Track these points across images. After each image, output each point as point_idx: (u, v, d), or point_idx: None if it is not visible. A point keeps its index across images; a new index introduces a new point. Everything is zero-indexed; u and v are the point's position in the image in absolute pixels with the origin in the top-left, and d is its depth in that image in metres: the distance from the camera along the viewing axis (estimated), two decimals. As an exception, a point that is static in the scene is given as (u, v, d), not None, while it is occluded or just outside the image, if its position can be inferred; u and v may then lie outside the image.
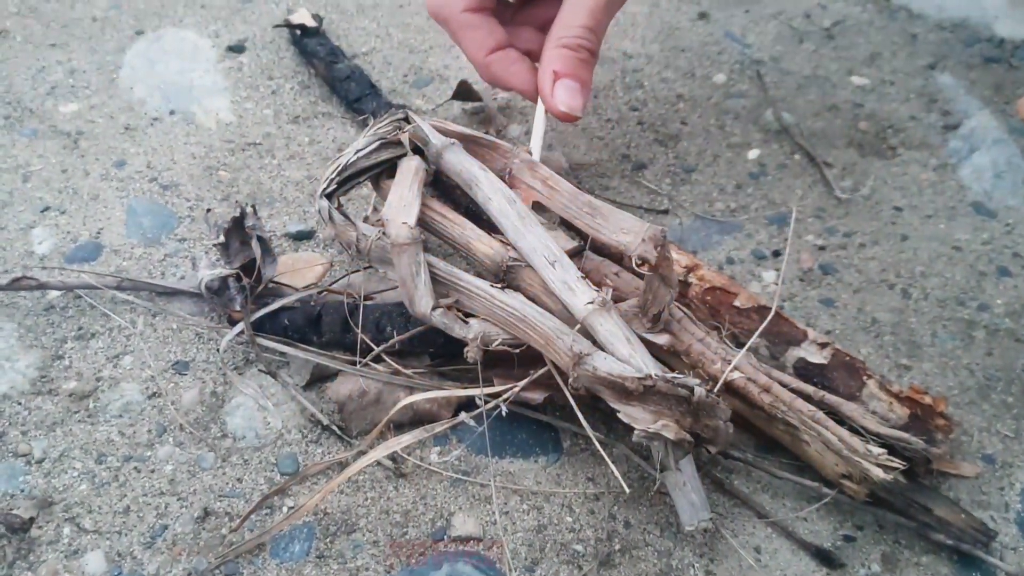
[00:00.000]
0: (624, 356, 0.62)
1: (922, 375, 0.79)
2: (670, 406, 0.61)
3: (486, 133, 0.96)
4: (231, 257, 0.79)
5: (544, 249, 0.66)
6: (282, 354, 0.76)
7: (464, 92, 0.99)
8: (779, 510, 0.69)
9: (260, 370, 0.76)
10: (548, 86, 0.75)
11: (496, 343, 0.67)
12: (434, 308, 0.67)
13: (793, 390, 0.72)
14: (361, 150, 0.72)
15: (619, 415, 0.61)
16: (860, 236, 0.90)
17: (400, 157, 0.73)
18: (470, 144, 0.73)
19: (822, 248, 0.89)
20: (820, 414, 0.69)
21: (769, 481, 0.71)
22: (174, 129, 0.98)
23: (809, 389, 0.73)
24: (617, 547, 0.67)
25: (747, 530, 0.68)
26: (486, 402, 0.68)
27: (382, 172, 0.73)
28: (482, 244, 0.69)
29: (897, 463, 0.67)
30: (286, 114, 1.00)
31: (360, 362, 0.73)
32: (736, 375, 0.71)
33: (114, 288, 0.79)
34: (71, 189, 0.90)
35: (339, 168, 0.72)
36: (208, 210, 0.88)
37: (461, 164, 0.70)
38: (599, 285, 0.74)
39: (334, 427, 0.72)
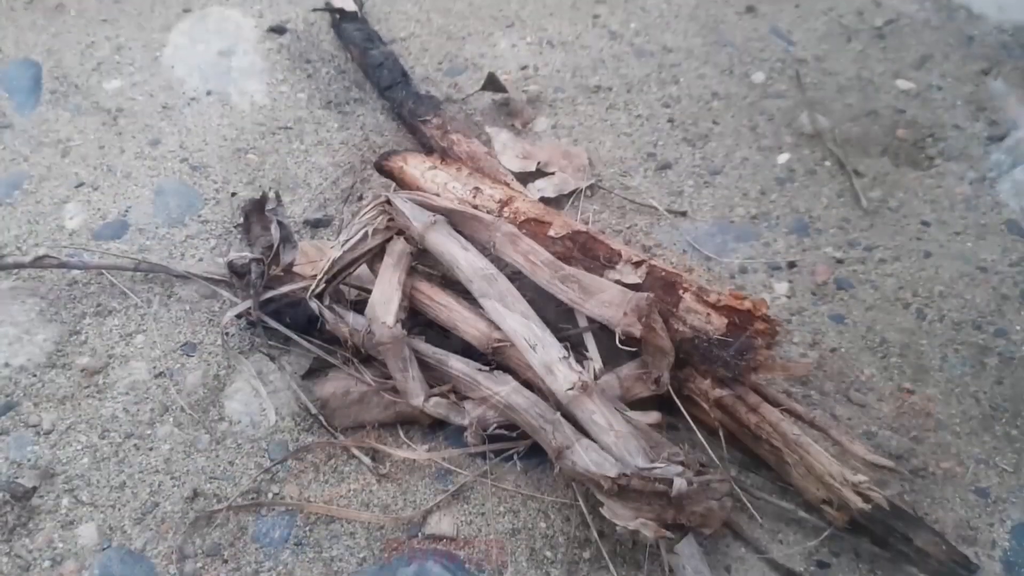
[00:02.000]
0: (607, 444, 0.63)
1: (925, 400, 0.77)
2: (649, 501, 0.61)
3: (512, 126, 0.97)
4: (252, 240, 0.81)
5: (525, 331, 0.68)
6: (285, 341, 0.78)
7: (492, 83, 0.99)
8: (755, 530, 0.69)
9: (262, 352, 0.78)
10: None
11: (492, 427, 0.69)
12: (427, 399, 0.70)
13: (784, 410, 0.72)
14: (348, 242, 0.73)
15: (602, 510, 0.62)
16: (881, 250, 0.88)
17: (387, 242, 0.74)
18: (455, 216, 0.74)
19: (840, 261, 0.87)
20: (804, 438, 0.69)
21: (749, 500, 0.71)
22: (209, 110, 1.00)
23: (800, 409, 0.72)
24: (586, 556, 0.67)
25: (720, 548, 0.68)
26: (487, 460, 0.70)
27: (375, 257, 0.75)
28: (468, 327, 0.71)
29: (877, 492, 0.66)
30: (319, 98, 1.02)
31: (348, 359, 0.75)
32: (725, 392, 0.71)
33: (131, 269, 0.82)
34: (106, 166, 0.94)
35: (328, 266, 0.73)
36: (233, 194, 0.91)
37: (443, 246, 0.72)
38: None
39: (321, 418, 0.74)
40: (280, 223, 0.79)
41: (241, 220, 0.80)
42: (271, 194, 0.79)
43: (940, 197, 0.93)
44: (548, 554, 0.68)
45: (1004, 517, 0.71)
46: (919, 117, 1.01)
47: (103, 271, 0.83)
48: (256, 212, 0.82)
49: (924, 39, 1.11)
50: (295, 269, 0.82)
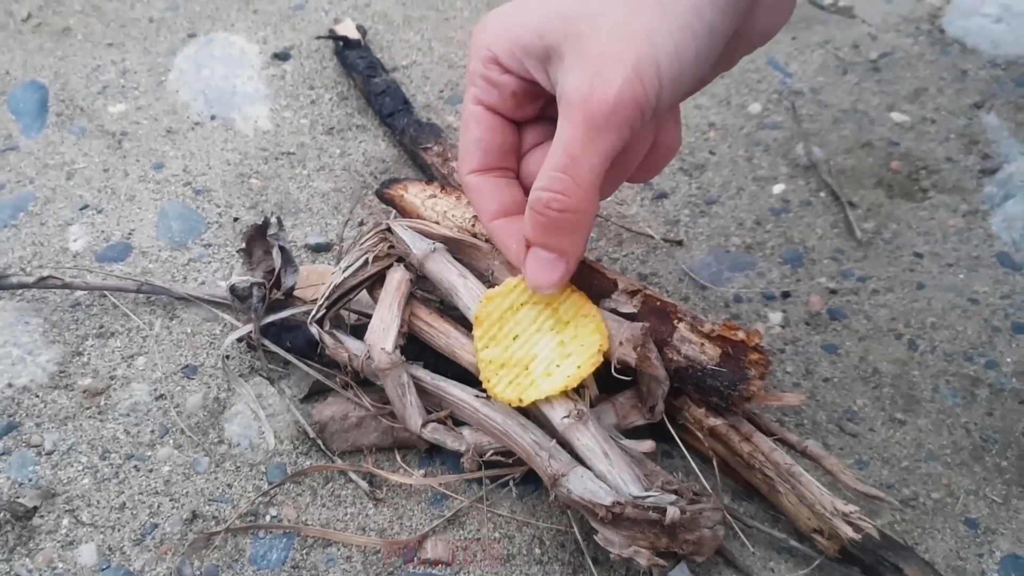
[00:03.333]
0: (602, 472, 0.64)
1: (916, 431, 0.78)
2: (643, 529, 0.62)
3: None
4: (253, 265, 0.82)
5: None
6: (285, 365, 0.79)
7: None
8: (748, 558, 0.70)
9: (261, 376, 0.79)
10: (520, 256, 0.62)
11: (489, 453, 0.70)
12: (424, 425, 0.71)
13: (777, 439, 0.73)
14: (348, 268, 0.75)
15: (596, 537, 0.63)
16: (875, 281, 0.89)
17: (387, 268, 0.75)
18: (454, 244, 0.75)
19: (833, 292, 0.89)
20: (797, 467, 0.70)
21: (741, 529, 0.72)
22: (213, 135, 1.02)
23: (792, 439, 0.73)
24: (581, 583, 0.68)
25: (711, 575, 0.69)
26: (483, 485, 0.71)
27: (374, 283, 0.76)
28: (466, 353, 0.72)
29: (868, 522, 0.67)
30: (322, 125, 1.04)
31: (347, 383, 0.76)
32: (719, 421, 0.72)
33: (134, 291, 0.83)
34: (110, 189, 0.95)
35: (328, 292, 0.75)
36: (235, 219, 0.92)
37: (441, 273, 0.73)
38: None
39: (319, 442, 0.75)
40: (282, 248, 0.80)
41: (243, 244, 0.81)
42: (273, 219, 0.80)
43: (933, 229, 0.95)
44: (542, 580, 0.68)
45: (993, 548, 0.71)
46: (913, 150, 1.03)
47: (106, 293, 0.84)
48: (258, 237, 0.83)
49: (918, 73, 1.13)
50: (296, 293, 0.84)
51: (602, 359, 0.64)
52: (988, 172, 1.00)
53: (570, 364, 0.65)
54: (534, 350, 0.66)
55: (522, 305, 0.67)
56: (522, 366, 0.66)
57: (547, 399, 0.66)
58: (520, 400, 0.65)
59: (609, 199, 0.97)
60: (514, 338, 0.67)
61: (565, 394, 0.66)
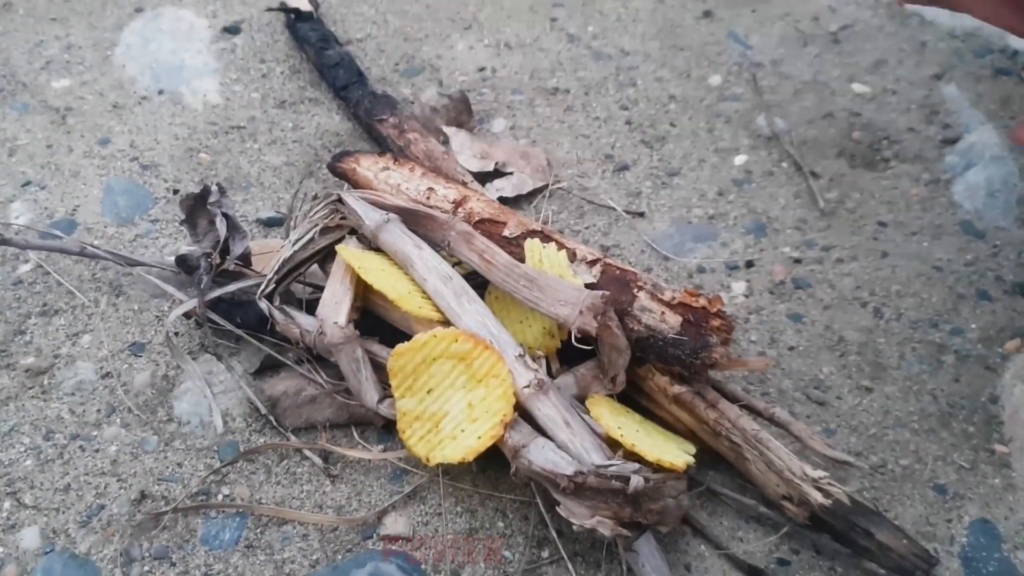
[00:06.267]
0: (563, 441, 0.62)
1: (883, 398, 0.77)
2: (606, 499, 0.60)
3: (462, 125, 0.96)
4: (199, 236, 0.79)
5: (480, 330, 0.66)
6: (237, 341, 0.77)
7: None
8: (716, 527, 0.69)
9: (210, 352, 0.76)
10: None
11: None
12: (381, 400, 0.68)
13: (743, 406, 0.71)
14: (299, 241, 0.72)
15: (558, 508, 0.61)
16: (839, 251, 0.88)
17: (339, 241, 0.73)
18: (408, 215, 0.73)
19: (797, 261, 0.87)
20: (764, 434, 0.69)
21: (708, 497, 0.70)
22: (161, 109, 0.99)
23: (759, 405, 0.72)
24: (545, 556, 0.66)
25: (680, 546, 0.68)
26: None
27: (326, 256, 0.74)
28: (423, 326, 0.69)
29: (838, 487, 0.66)
30: (273, 98, 1.01)
31: (300, 358, 0.73)
32: (683, 389, 0.70)
33: (77, 253, 0.79)
34: (54, 165, 0.92)
35: (278, 266, 0.72)
36: (175, 191, 0.89)
37: (396, 244, 0.70)
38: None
39: (271, 418, 0.72)
40: (226, 215, 0.77)
41: (184, 215, 0.78)
42: (213, 186, 0.77)
43: (896, 198, 0.94)
44: (506, 554, 0.66)
45: (962, 513, 0.70)
46: (874, 120, 1.02)
47: (49, 270, 0.81)
48: (200, 206, 0.80)
49: (878, 44, 1.12)
50: (252, 267, 0.81)
51: (502, 432, 0.62)
52: (949, 142, 1.00)
53: (474, 431, 0.63)
54: (446, 406, 0.65)
55: (435, 360, 0.65)
56: (434, 422, 0.64)
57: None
58: (428, 459, 0.63)
59: (570, 171, 0.95)
60: (428, 391, 0.65)
61: (524, 363, 0.65)
